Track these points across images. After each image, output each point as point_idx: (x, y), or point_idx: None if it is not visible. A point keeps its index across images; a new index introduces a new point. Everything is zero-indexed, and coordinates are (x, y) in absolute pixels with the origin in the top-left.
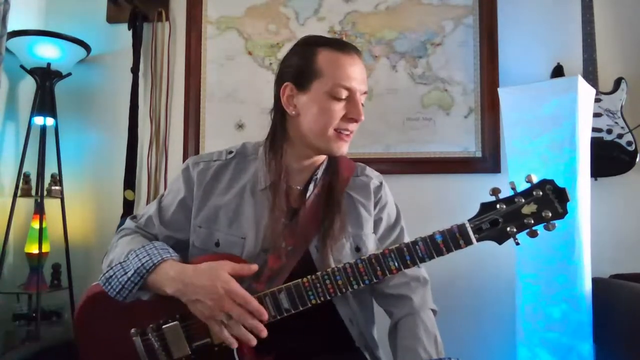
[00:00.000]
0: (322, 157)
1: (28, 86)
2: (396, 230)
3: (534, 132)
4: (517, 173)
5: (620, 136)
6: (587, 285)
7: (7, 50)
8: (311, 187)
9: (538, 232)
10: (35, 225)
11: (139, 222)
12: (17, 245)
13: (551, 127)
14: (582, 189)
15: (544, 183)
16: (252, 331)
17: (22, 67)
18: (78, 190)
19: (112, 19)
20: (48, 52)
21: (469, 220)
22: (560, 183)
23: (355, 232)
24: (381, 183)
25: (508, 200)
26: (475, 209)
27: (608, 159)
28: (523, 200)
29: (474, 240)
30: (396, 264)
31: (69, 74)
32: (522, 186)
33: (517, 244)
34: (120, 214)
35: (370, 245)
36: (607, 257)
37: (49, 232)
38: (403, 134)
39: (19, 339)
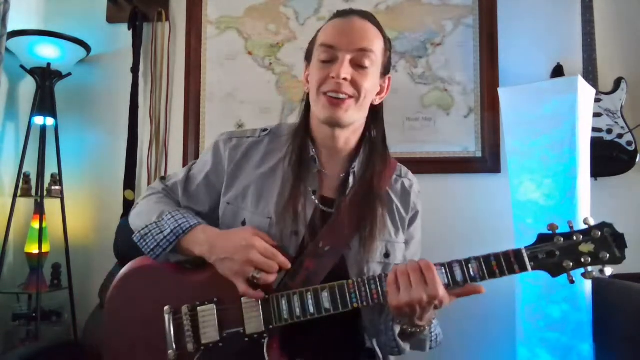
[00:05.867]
0: (353, 141)
1: (28, 86)
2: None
3: (534, 132)
4: (517, 173)
5: (620, 136)
6: (587, 285)
7: (7, 50)
8: (351, 180)
9: (593, 274)
10: (35, 225)
11: (166, 185)
12: (17, 245)
13: (551, 127)
14: (582, 189)
15: (602, 225)
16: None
17: (22, 67)
18: (78, 190)
19: (112, 19)
20: (48, 52)
21: (525, 248)
22: (617, 229)
23: (389, 237)
24: (419, 193)
25: (566, 236)
26: (475, 209)
27: (608, 159)
28: (581, 238)
29: (529, 267)
30: (446, 280)
31: (69, 74)
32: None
33: (572, 282)
34: (120, 214)
35: (399, 255)
36: None
37: (49, 232)
38: (403, 134)
39: (18, 339)
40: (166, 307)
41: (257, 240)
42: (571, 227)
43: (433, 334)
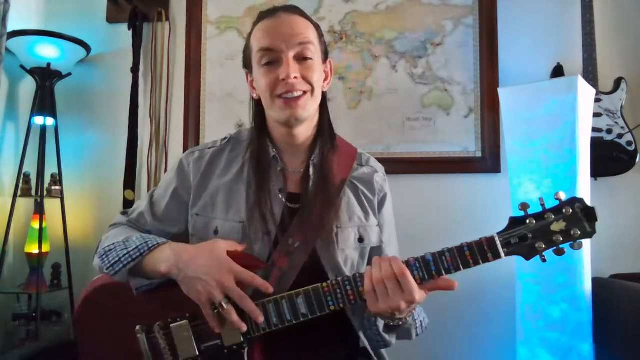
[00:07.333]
0: (310, 133)
1: (28, 86)
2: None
3: (534, 132)
4: (517, 173)
5: (620, 136)
6: (587, 285)
7: (7, 50)
8: (312, 171)
9: (565, 250)
10: (35, 225)
11: (130, 217)
12: (17, 245)
13: (551, 127)
14: (582, 189)
15: (573, 201)
16: (249, 316)
17: (22, 67)
18: (78, 190)
19: (112, 19)
20: (48, 52)
21: (498, 234)
22: (587, 204)
23: (360, 222)
24: (384, 177)
25: (538, 216)
26: (475, 209)
27: (608, 159)
28: (553, 217)
29: (502, 254)
30: (421, 274)
31: (69, 74)
32: (535, 202)
33: (544, 260)
34: None
35: (374, 239)
36: (607, 257)
37: (49, 232)
38: (403, 134)
39: (18, 339)
40: (137, 327)
41: (233, 263)
42: (542, 205)
43: (417, 320)
